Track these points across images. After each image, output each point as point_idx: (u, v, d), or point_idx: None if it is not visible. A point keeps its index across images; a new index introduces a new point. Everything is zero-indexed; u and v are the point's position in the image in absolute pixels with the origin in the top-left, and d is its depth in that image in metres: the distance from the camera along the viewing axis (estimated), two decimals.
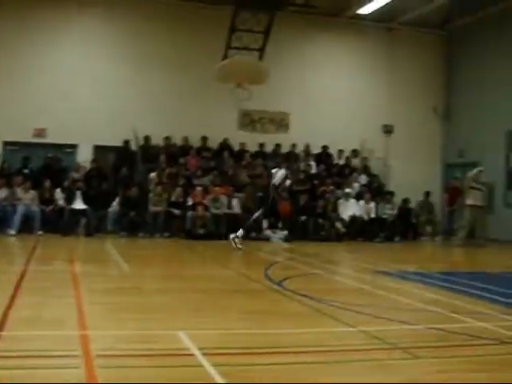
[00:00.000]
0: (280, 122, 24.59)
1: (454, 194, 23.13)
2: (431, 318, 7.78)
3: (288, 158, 23.72)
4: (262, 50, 22.62)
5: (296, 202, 21.77)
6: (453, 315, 7.87)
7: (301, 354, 5.83)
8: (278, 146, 24.25)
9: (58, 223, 19.56)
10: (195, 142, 23.53)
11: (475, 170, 20.89)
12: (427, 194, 23.96)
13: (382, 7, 23.40)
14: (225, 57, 22.11)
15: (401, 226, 22.58)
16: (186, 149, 23.17)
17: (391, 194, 23.47)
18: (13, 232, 18.68)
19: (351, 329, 6.93)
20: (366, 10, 23.89)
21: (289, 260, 15.19)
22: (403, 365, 5.60)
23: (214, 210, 20.59)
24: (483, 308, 8.42)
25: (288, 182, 18.15)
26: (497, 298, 9.32)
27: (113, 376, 4.92)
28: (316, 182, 23.24)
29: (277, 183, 17.28)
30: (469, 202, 20.33)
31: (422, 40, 26.65)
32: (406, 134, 25.83)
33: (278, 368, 5.36)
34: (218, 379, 4.86)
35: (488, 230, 21.23)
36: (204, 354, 5.50)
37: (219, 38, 22.23)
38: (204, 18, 23.44)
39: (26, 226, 19.21)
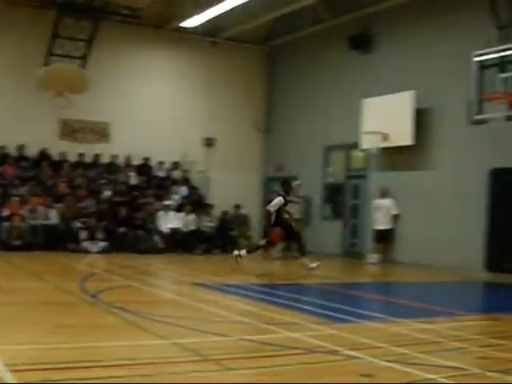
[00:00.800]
0: (101, 132, 24.24)
1: None
2: (246, 330, 7.93)
3: (108, 169, 23.47)
4: (84, 59, 22.29)
5: (116, 214, 21.58)
6: (267, 326, 8.05)
7: (112, 367, 5.77)
8: (97, 156, 23.86)
9: None
10: (13, 151, 22.75)
11: (293, 184, 21.37)
12: (237, 206, 24.31)
13: (206, 21, 23.51)
14: (46, 64, 21.61)
15: (220, 239, 22.78)
16: (2, 157, 22.36)
17: (210, 206, 23.69)
18: None
19: (165, 341, 6.93)
20: (190, 23, 23.96)
21: (106, 272, 14.99)
22: (213, 376, 5.64)
23: (31, 221, 20.03)
24: (296, 319, 8.67)
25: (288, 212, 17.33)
26: (309, 308, 9.63)
27: None
28: (136, 193, 23.11)
29: (272, 210, 16.55)
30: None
31: (245, 55, 27.12)
32: (227, 148, 26.18)
33: (89, 383, 5.27)
34: None
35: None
36: (12, 371, 5.32)
37: (41, 44, 21.74)
38: (26, 20, 22.60)
39: None
